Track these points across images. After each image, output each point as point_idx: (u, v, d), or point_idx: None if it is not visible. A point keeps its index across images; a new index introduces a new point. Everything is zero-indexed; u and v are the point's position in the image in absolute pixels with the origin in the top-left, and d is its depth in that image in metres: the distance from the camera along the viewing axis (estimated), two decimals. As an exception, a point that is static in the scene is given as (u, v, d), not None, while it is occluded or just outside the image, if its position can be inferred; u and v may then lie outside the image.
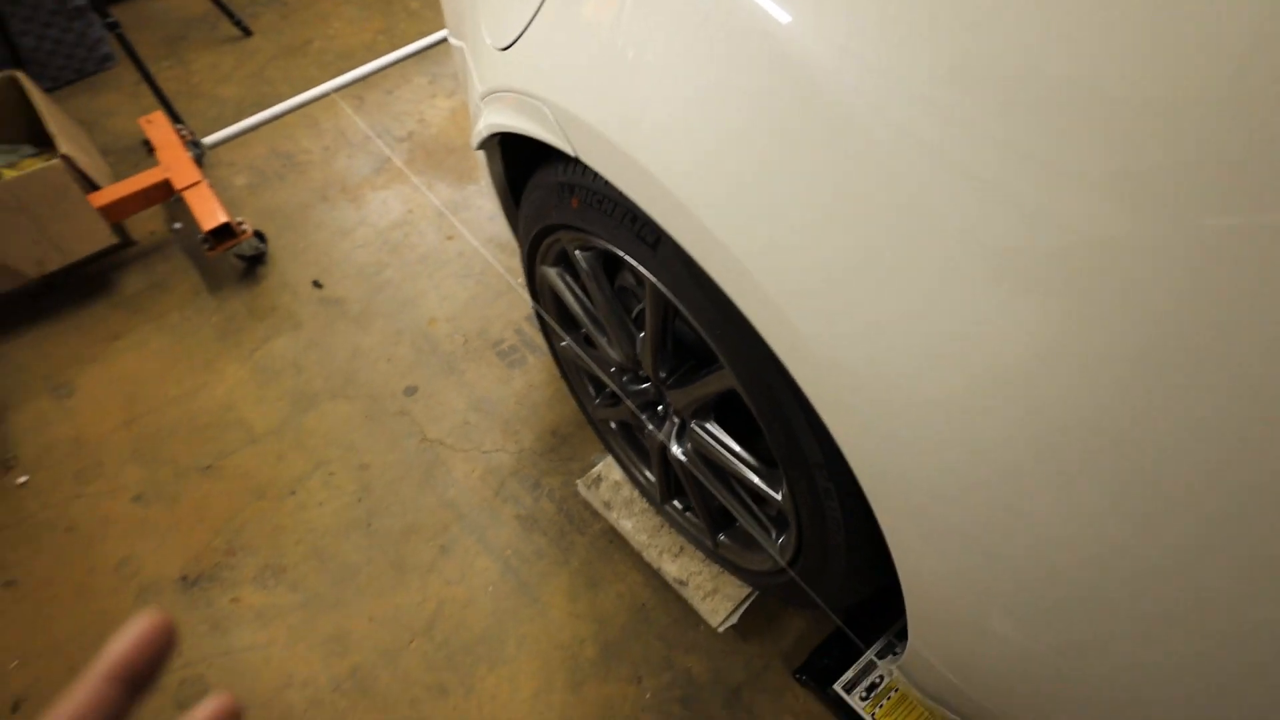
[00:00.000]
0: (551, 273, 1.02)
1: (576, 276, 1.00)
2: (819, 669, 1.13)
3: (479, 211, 1.86)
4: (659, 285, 0.76)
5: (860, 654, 1.12)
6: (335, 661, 1.20)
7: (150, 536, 1.35)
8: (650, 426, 1.04)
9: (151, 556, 1.32)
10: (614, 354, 0.99)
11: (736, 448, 0.88)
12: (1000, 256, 0.42)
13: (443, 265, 1.74)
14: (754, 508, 0.93)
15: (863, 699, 1.09)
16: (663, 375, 0.91)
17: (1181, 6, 0.34)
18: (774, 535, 0.91)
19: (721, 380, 0.79)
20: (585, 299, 1.00)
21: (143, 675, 0.24)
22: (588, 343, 1.10)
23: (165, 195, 1.70)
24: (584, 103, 0.65)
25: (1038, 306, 0.42)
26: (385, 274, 1.73)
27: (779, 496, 0.81)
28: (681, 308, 0.74)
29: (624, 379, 1.04)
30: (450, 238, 1.80)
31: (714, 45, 0.53)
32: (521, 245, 1.05)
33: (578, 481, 1.33)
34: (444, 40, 2.22)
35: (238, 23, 2.39)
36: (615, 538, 1.31)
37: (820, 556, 0.80)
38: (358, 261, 1.76)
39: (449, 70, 2.23)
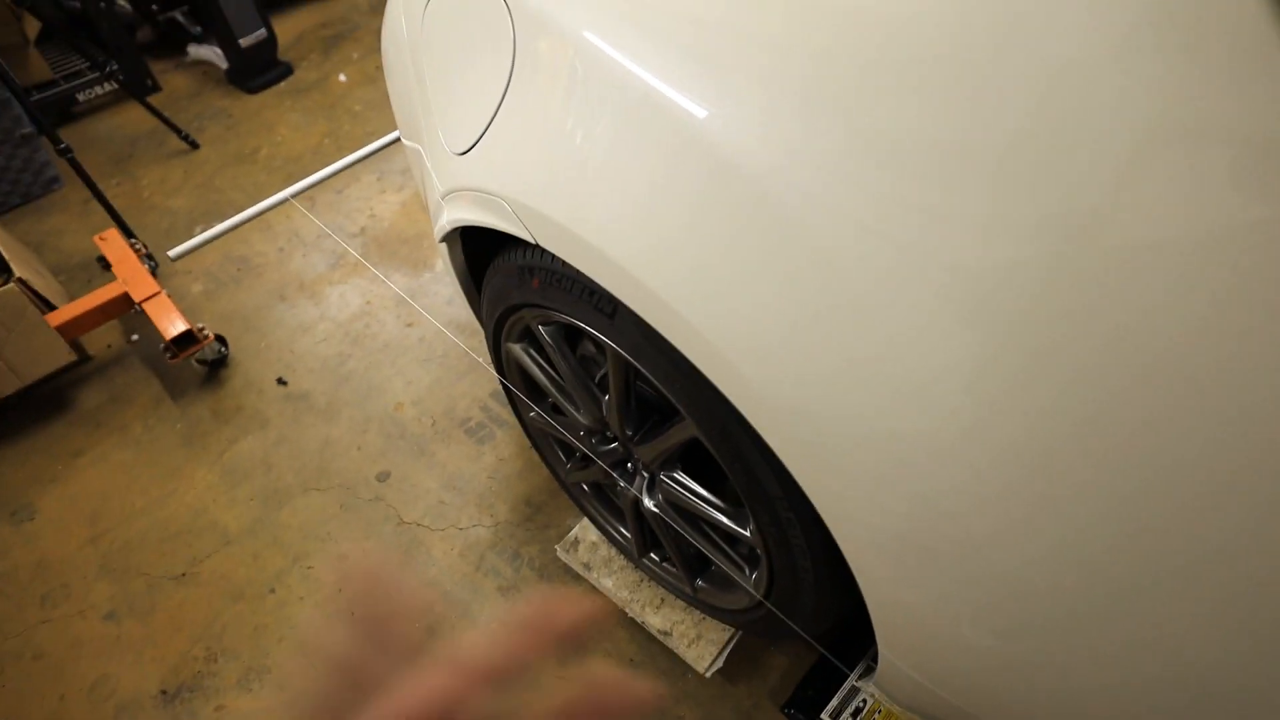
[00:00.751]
0: (517, 349, 1.09)
1: (541, 350, 1.07)
2: (805, 701, 1.17)
3: (436, 297, 1.93)
4: (619, 350, 0.84)
5: (842, 681, 1.17)
6: (328, 757, 1.19)
7: (125, 653, 1.33)
8: (622, 483, 1.10)
9: (127, 674, 1.30)
10: (582, 418, 1.06)
11: (704, 492, 0.95)
12: (913, 295, 0.51)
13: (405, 351, 1.80)
14: (726, 549, 1.00)
15: (851, 724, 1.13)
16: (629, 433, 0.98)
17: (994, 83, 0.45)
18: (748, 571, 0.97)
19: (684, 431, 0.86)
20: (551, 370, 1.07)
21: None
22: (555, 411, 1.17)
23: (125, 308, 1.73)
24: (541, 198, 0.74)
25: (957, 333, 0.50)
26: (349, 365, 1.77)
27: (748, 533, 0.88)
28: (641, 369, 0.82)
29: (593, 441, 1.10)
30: (410, 324, 1.86)
31: (652, 145, 0.63)
32: (486, 326, 1.13)
33: (556, 547, 1.37)
34: (391, 142, 2.33)
35: (185, 137, 2.47)
36: (598, 599, 1.34)
37: (792, 584, 0.87)
38: (320, 355, 1.80)
39: (397, 166, 2.33)
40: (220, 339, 1.75)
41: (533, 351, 1.08)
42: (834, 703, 1.15)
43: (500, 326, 1.08)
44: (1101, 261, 0.44)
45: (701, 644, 1.21)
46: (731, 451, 0.77)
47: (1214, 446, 0.43)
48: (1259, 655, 0.48)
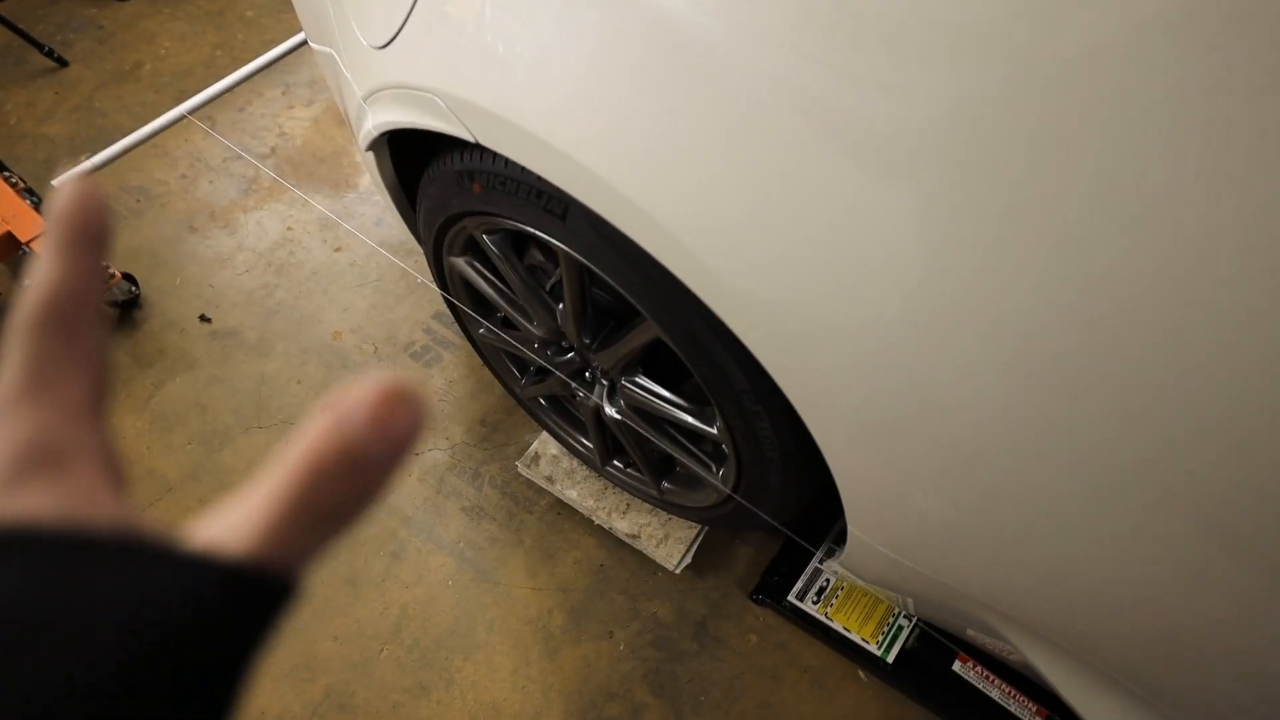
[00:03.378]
0: (460, 263, 1.04)
1: (487, 261, 1.02)
2: (771, 586, 1.23)
3: (363, 218, 1.82)
4: (572, 253, 0.80)
5: (805, 564, 1.22)
6: (306, 688, 1.19)
7: (74, 608, 1.27)
8: (581, 393, 1.09)
9: (80, 628, 1.25)
10: (535, 330, 1.03)
11: (667, 394, 0.94)
12: (862, 169, 0.49)
13: (336, 278, 1.70)
14: (692, 448, 1.00)
15: (815, 603, 1.20)
16: (587, 341, 0.96)
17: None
18: (715, 468, 0.98)
19: (645, 333, 0.85)
20: (499, 282, 1.03)
21: (96, 234, 0.19)
22: (506, 325, 1.13)
23: (10, 250, 1.56)
24: (478, 88, 0.68)
25: (898, 193, 0.49)
26: (277, 296, 1.67)
27: (714, 430, 0.88)
28: (598, 271, 0.79)
29: (549, 353, 1.08)
30: (338, 249, 1.75)
31: (595, 19, 0.58)
32: (425, 242, 1.07)
33: (517, 463, 1.36)
34: (297, 47, 2.13)
35: (49, 53, 2.19)
36: (563, 509, 1.35)
37: (759, 475, 0.89)
38: (244, 288, 1.69)
39: (304, 78, 2.14)
40: (129, 277, 1.62)
41: (478, 264, 1.03)
42: (799, 585, 1.21)
43: (440, 240, 1.02)
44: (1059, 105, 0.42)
45: (669, 543, 1.25)
46: (696, 349, 0.76)
47: (1169, 310, 0.43)
48: (1205, 525, 0.50)
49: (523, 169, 0.74)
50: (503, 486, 1.39)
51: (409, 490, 1.38)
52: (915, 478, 0.65)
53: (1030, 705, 1.01)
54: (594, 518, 1.29)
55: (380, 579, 1.29)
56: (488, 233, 0.93)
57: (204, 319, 1.64)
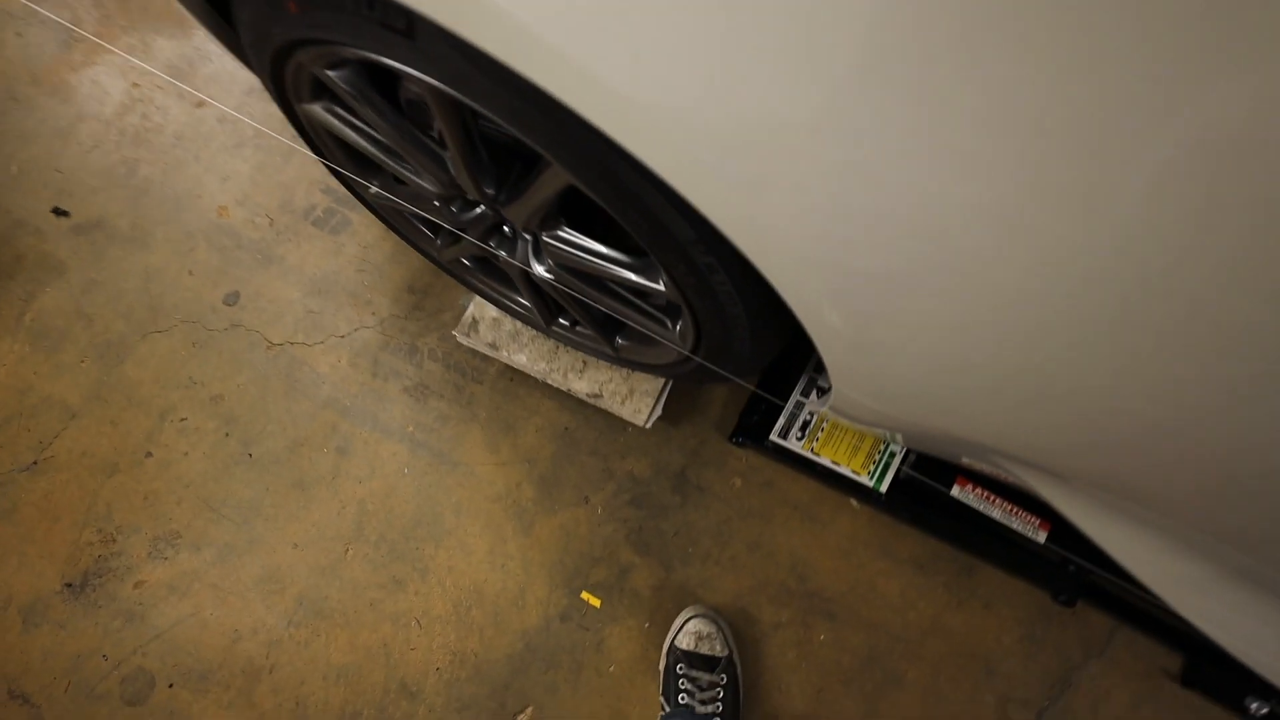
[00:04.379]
0: (316, 111, 0.80)
1: (347, 105, 0.79)
2: (751, 427, 1.14)
3: (221, 61, 1.49)
4: (435, 83, 0.58)
5: (786, 401, 1.12)
6: (276, 600, 1.13)
7: (3, 561, 1.17)
8: (502, 253, 0.91)
9: (18, 579, 1.16)
10: (429, 185, 0.82)
11: (600, 248, 0.76)
12: None
13: (206, 141, 1.42)
14: (640, 304, 0.85)
15: (799, 439, 1.11)
16: (491, 192, 0.76)
17: None
18: (670, 325, 0.83)
19: (555, 179, 0.65)
20: (368, 130, 0.80)
21: None
22: (397, 182, 0.91)
23: None
24: None
25: None
26: (141, 172, 1.40)
27: (660, 287, 0.72)
28: (471, 103, 0.58)
29: (453, 210, 0.87)
30: (200, 105, 1.45)
31: None
32: (264, 82, 0.82)
33: (454, 332, 1.20)
34: None
35: None
36: (515, 375, 1.22)
37: (722, 332, 0.74)
38: (99, 167, 1.41)
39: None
40: (-50, 174, 1.34)
41: (338, 109, 0.80)
42: (781, 422, 1.11)
43: (280, 81, 0.78)
44: None
45: (635, 398, 1.13)
46: (619, 194, 0.58)
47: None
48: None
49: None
50: (444, 359, 1.24)
51: (342, 377, 1.24)
52: (904, 331, 0.51)
53: (1033, 520, 0.96)
54: (549, 380, 1.16)
55: (330, 478, 1.18)
56: (330, 67, 0.69)
57: (59, 212, 1.38)
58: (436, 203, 0.88)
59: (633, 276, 0.75)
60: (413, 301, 1.28)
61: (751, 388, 1.12)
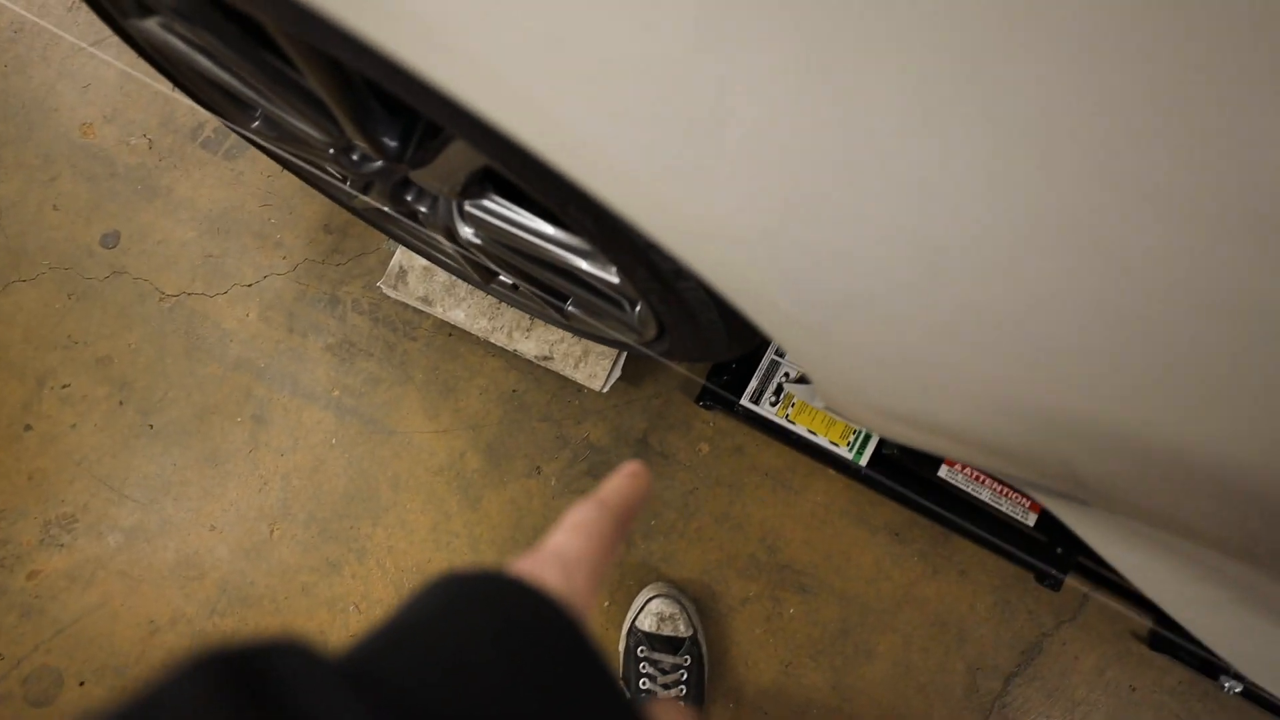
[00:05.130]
0: (153, 28, 0.60)
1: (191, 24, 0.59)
2: (720, 389, 1.02)
3: (65, -75, 1.19)
4: (280, 25, 0.40)
5: (759, 360, 1.00)
6: (195, 586, 1.02)
7: (-121, 542, 1.03)
8: (421, 209, 0.74)
9: (-103, 563, 1.03)
10: (314, 132, 0.64)
11: (536, 224, 0.60)
12: None
13: (56, 37, 1.15)
14: (592, 285, 0.70)
15: (773, 404, 1.00)
16: (393, 145, 0.58)
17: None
18: (628, 308, 0.69)
19: (467, 157, 0.48)
20: (227, 58, 0.61)
21: (630, 514, 0.28)
22: (274, 126, 0.72)
23: None
24: None
25: None
26: (-23, 77, 1.14)
27: (613, 279, 0.57)
28: (336, 57, 0.40)
29: (353, 160, 0.69)
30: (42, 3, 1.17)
31: None
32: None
33: (379, 284, 1.03)
34: None
35: None
36: (454, 330, 1.07)
37: (690, 331, 0.60)
38: (-78, 71, 1.14)
39: None
40: None
41: (180, 29, 0.59)
42: (753, 385, 1.00)
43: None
44: None
45: (591, 360, 1.00)
46: (551, 187, 0.42)
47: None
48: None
49: None
50: (371, 311, 1.08)
51: (252, 334, 1.07)
52: (870, 338, 0.39)
53: (1024, 500, 0.88)
54: (492, 339, 1.02)
55: (248, 450, 1.05)
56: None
57: (-118, 129, 1.13)
58: (332, 151, 0.69)
59: (580, 263, 0.59)
60: (330, 243, 1.10)
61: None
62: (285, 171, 1.12)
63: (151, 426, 1.05)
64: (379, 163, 0.67)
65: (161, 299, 1.08)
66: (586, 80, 0.29)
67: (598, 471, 1.05)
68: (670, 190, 0.33)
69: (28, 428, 1.05)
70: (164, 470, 1.04)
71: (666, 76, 0.27)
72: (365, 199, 0.83)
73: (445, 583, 0.22)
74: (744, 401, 1.01)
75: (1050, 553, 0.89)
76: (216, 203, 1.11)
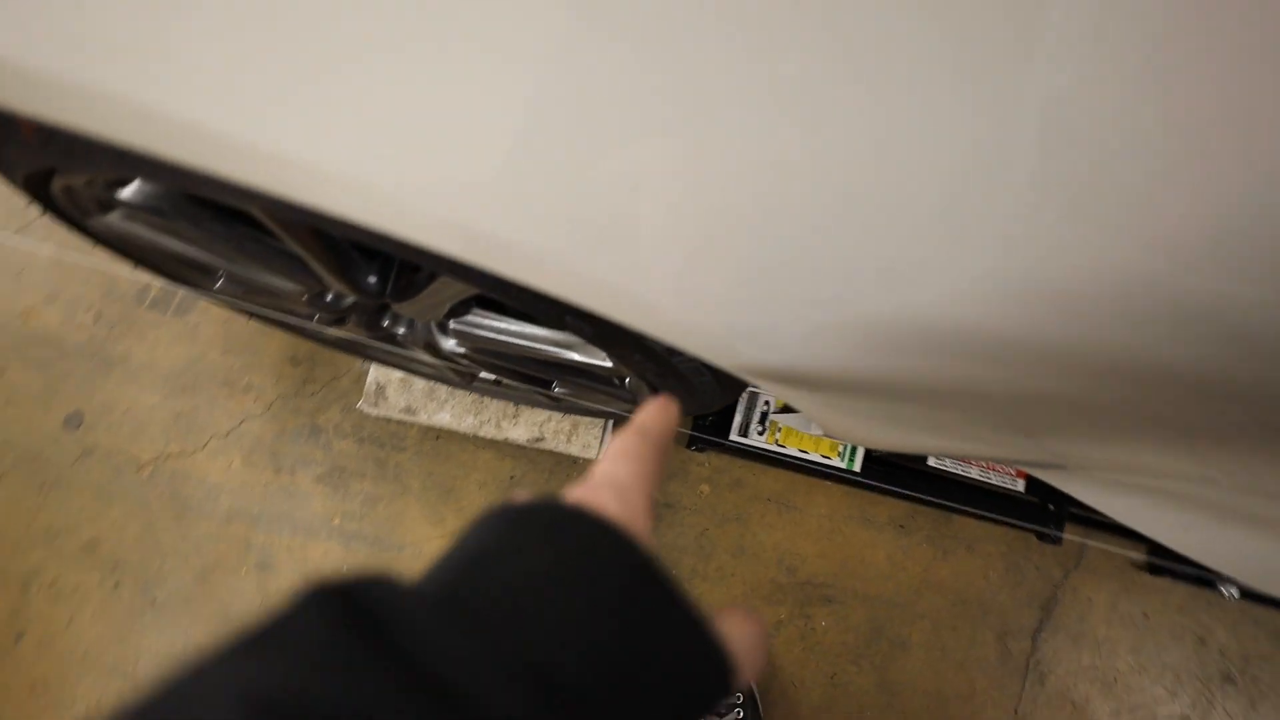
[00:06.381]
0: (118, 221, 0.62)
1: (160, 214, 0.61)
2: (707, 430, 1.06)
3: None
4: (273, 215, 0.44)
5: (737, 399, 1.05)
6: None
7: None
8: (399, 331, 0.76)
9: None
10: (286, 284, 0.66)
11: (526, 328, 0.64)
12: None
13: (-24, 231, 1.14)
14: (581, 370, 0.73)
15: (760, 433, 1.05)
16: (373, 284, 0.61)
17: None
18: (619, 383, 0.73)
19: (453, 289, 0.52)
20: (198, 241, 0.63)
21: (666, 440, 0.28)
22: (238, 283, 0.74)
23: None
24: None
25: None
26: (-100, 290, 1.12)
27: (605, 363, 0.61)
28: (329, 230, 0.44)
29: (326, 302, 0.72)
30: (-46, 185, 1.16)
31: None
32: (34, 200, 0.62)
33: (360, 405, 1.05)
34: None
35: None
36: (441, 432, 1.09)
37: (685, 393, 0.64)
38: None
39: None
40: None
41: (148, 217, 0.62)
42: (737, 419, 1.05)
43: (56, 208, 0.59)
44: None
45: (580, 432, 1.03)
46: (546, 307, 0.46)
47: None
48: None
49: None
50: (355, 433, 1.09)
51: (240, 482, 1.07)
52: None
53: (1009, 471, 0.95)
54: (480, 434, 1.04)
55: (258, 601, 1.03)
56: (113, 185, 0.52)
57: None
58: (304, 297, 0.72)
59: (571, 355, 0.63)
60: (299, 375, 1.11)
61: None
62: (235, 315, 1.13)
63: (154, 601, 1.02)
64: (353, 299, 0.70)
65: (139, 469, 1.07)
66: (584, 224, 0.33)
67: (610, 536, 1.07)
68: (652, 288, 0.37)
69: (20, 636, 1.01)
70: (176, 642, 1.01)
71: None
72: (338, 332, 0.85)
73: (503, 514, 0.23)
74: (733, 437, 1.05)
75: (1044, 512, 0.96)
76: (176, 360, 1.10)
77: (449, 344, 0.75)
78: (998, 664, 1.06)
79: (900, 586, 1.08)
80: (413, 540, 1.06)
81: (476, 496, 1.07)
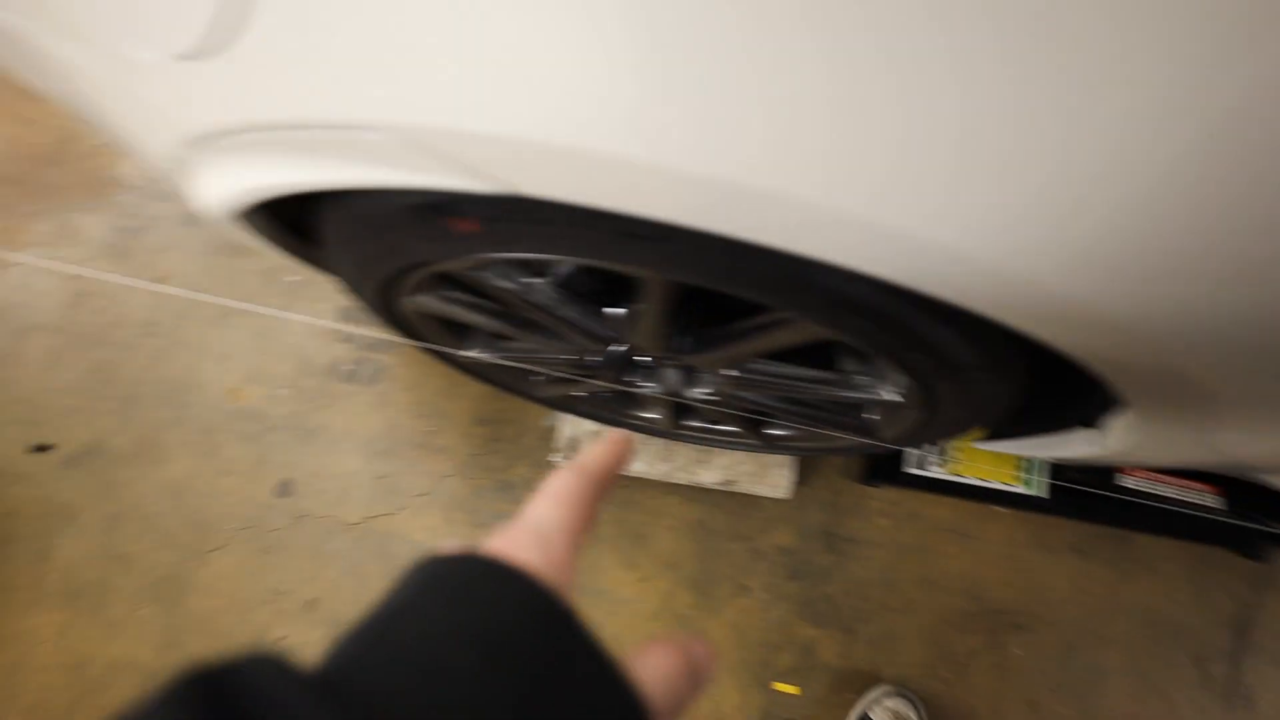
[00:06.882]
0: (426, 301, 0.70)
1: (468, 287, 0.69)
2: (885, 466, 1.11)
3: (165, 222, 1.30)
4: (671, 279, 0.51)
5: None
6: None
7: None
8: (646, 387, 0.83)
9: None
10: (570, 344, 0.74)
11: (813, 373, 0.70)
12: None
13: (185, 319, 1.25)
14: (842, 405, 0.79)
15: (937, 464, 1.09)
16: (678, 347, 0.68)
17: None
18: (857, 415, 0.78)
19: (790, 333, 0.58)
20: (499, 308, 0.71)
21: (609, 476, 0.28)
22: (502, 338, 0.82)
23: None
24: (513, 109, 0.33)
25: None
26: (120, 375, 1.22)
27: (896, 396, 0.67)
28: (718, 289, 0.50)
29: (585, 359, 0.79)
30: (161, 277, 1.27)
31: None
32: (355, 290, 0.71)
33: (551, 457, 1.11)
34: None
35: None
36: (626, 479, 1.14)
37: (964, 407, 0.68)
38: (67, 383, 1.21)
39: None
40: (-106, 444, 1.12)
41: (459, 295, 0.70)
42: (915, 454, 1.09)
43: (391, 289, 0.67)
44: None
45: (770, 471, 1.08)
46: (896, 334, 0.52)
47: None
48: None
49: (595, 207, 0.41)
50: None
51: (444, 538, 1.13)
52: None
53: (1206, 488, 0.98)
54: (672, 479, 1.09)
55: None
56: (479, 268, 0.60)
57: (41, 448, 1.18)
58: (564, 356, 0.79)
59: (854, 394, 0.69)
60: (487, 434, 1.18)
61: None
62: (424, 381, 1.21)
63: (372, 655, 1.07)
64: (617, 350, 0.76)
65: (348, 530, 1.13)
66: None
67: (798, 573, 1.11)
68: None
69: (255, 692, 1.06)
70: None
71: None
72: (559, 389, 0.92)
73: (423, 569, 0.22)
74: (910, 470, 1.09)
75: (1244, 528, 0.98)
76: (372, 428, 1.18)
77: (697, 391, 0.81)
78: (1199, 688, 1.07)
79: (1087, 611, 1.10)
80: (608, 585, 1.10)
81: (667, 541, 1.12)
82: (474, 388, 1.19)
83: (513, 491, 1.15)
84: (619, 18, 0.30)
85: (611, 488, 0.29)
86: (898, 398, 0.67)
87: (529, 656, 0.20)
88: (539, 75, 0.33)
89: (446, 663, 0.19)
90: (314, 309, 1.24)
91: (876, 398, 0.68)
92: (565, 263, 0.62)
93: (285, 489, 1.16)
